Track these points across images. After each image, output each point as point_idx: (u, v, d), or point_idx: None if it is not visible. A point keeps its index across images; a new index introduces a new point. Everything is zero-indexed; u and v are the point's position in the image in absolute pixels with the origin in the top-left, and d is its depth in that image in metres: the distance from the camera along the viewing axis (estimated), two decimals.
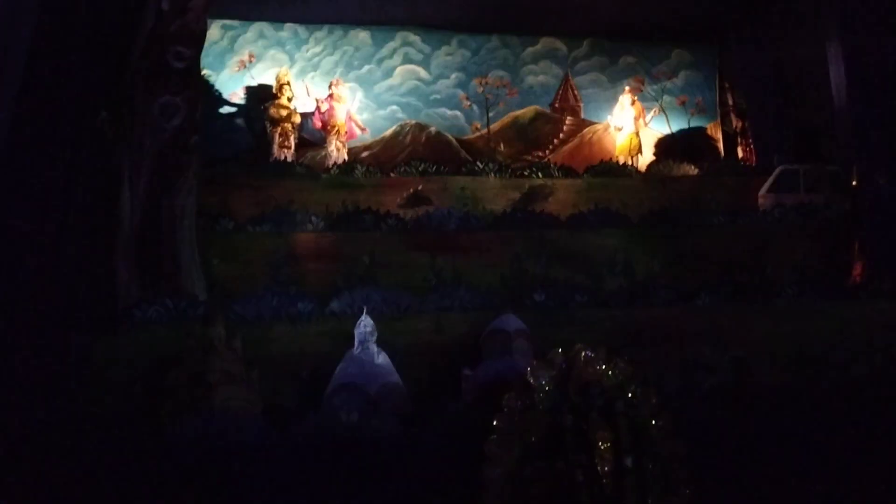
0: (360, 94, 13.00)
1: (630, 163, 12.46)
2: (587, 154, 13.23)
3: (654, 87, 13.88)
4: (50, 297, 5.51)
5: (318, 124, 12.11)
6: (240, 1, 12.02)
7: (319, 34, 13.11)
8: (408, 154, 12.59)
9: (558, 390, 4.43)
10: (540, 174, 11.11)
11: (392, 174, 11.00)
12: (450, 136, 13.23)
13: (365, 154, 12.57)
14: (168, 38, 6.98)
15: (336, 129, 12.00)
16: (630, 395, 4.42)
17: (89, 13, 6.24)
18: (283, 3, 12.35)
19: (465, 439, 4.54)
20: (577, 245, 8.37)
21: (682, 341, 6.47)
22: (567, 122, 13.70)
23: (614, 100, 13.38)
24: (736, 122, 13.74)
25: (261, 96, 12.39)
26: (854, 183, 8.59)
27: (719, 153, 13.67)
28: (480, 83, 13.43)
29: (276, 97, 12.08)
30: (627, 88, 13.30)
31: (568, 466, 4.23)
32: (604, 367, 4.46)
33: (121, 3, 6.78)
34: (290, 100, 12.06)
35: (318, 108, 12.13)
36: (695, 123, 13.86)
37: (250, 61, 12.76)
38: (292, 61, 12.91)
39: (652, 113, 13.40)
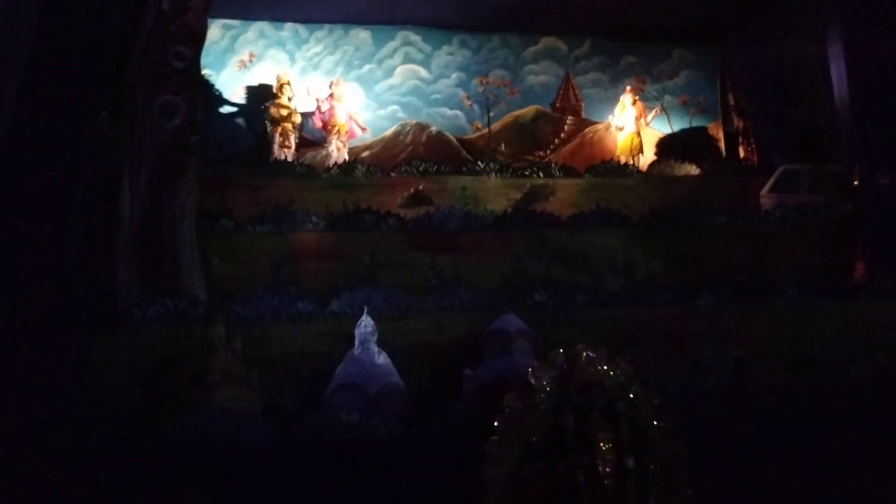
0: (360, 94, 12.99)
1: (631, 163, 12.44)
2: (588, 154, 13.22)
3: (656, 86, 13.86)
4: (50, 297, 5.51)
5: (319, 124, 12.11)
6: (240, 0, 12.01)
7: (320, 34, 13.10)
8: (408, 154, 12.58)
9: (559, 391, 4.42)
10: (541, 174, 11.11)
11: (392, 174, 11.00)
12: (450, 136, 13.21)
13: (365, 154, 12.56)
14: (168, 37, 6.97)
15: (336, 128, 11.99)
16: (631, 395, 4.42)
17: (89, 13, 6.24)
18: (284, 2, 12.34)
19: (465, 440, 4.53)
20: (577, 245, 8.37)
21: (683, 341, 6.46)
22: (568, 121, 13.69)
23: (615, 99, 13.36)
24: (737, 122, 13.72)
25: (261, 96, 12.37)
26: (855, 183, 8.59)
27: (721, 153, 13.65)
28: (481, 83, 13.42)
29: (276, 97, 12.06)
30: (628, 88, 13.28)
31: (569, 467, 4.23)
32: (605, 367, 4.46)
33: (121, 2, 6.77)
34: (290, 99, 12.05)
35: (318, 107, 12.12)
36: (696, 123, 13.84)
37: (251, 61, 12.75)
38: (293, 61, 12.90)
39: (653, 112, 13.37)
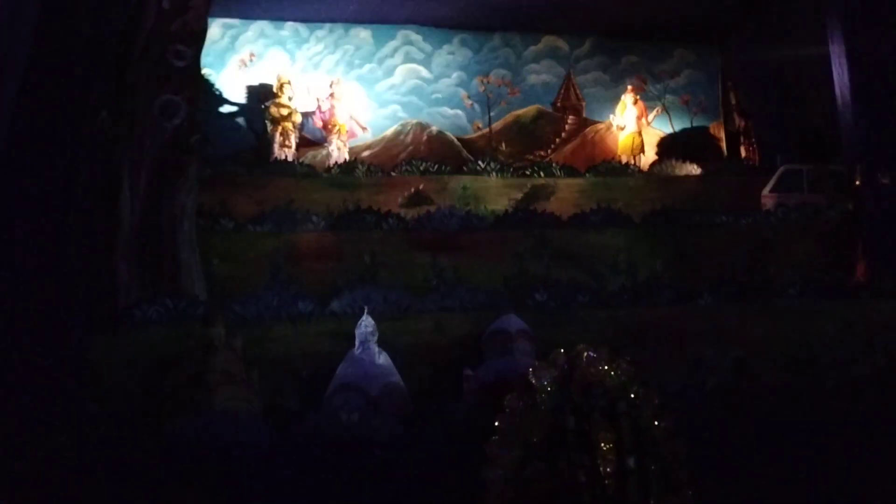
0: (361, 93, 12.98)
1: (632, 162, 12.43)
2: (589, 153, 13.20)
3: (657, 86, 13.83)
4: (50, 297, 5.50)
5: (319, 123, 12.10)
6: None
7: (320, 33, 13.08)
8: (409, 153, 12.56)
9: (560, 391, 4.42)
10: (542, 174, 11.09)
11: (393, 173, 10.99)
12: (451, 136, 13.19)
13: (366, 153, 12.54)
14: (168, 36, 6.97)
15: (337, 128, 11.98)
16: (632, 395, 4.42)
17: (90, 12, 6.23)
18: (284, 1, 12.32)
19: (466, 440, 4.53)
20: (578, 245, 8.36)
21: (683, 341, 6.46)
22: (569, 121, 13.67)
23: (616, 99, 13.34)
24: (739, 122, 13.69)
25: (261, 95, 12.36)
26: (856, 183, 8.57)
27: (722, 153, 13.63)
28: (482, 82, 13.39)
29: (276, 96, 12.04)
30: (630, 87, 13.26)
31: (570, 467, 4.23)
32: (606, 367, 4.46)
33: (121, 2, 6.77)
34: (290, 99, 12.03)
35: (318, 107, 12.11)
36: (697, 123, 13.82)
37: (251, 60, 12.73)
38: (293, 60, 12.88)
39: (654, 112, 13.36)
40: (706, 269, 8.08)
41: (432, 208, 9.23)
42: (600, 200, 9.56)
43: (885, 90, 8.34)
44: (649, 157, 12.93)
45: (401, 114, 13.14)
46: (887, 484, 4.81)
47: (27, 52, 5.56)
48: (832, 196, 9.59)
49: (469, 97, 13.35)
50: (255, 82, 12.61)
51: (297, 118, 11.97)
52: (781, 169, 10.51)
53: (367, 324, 6.02)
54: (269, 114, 11.89)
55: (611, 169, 11.67)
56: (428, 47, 13.35)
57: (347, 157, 11.79)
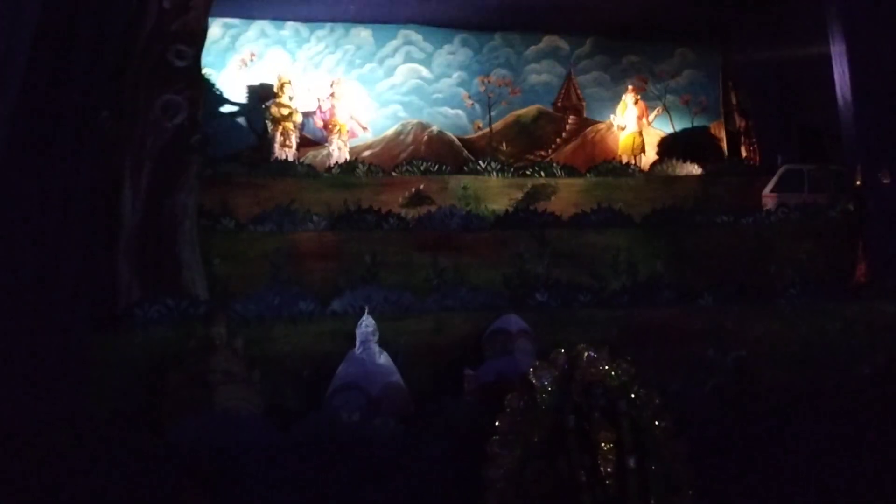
0: (361, 93, 12.98)
1: (633, 162, 12.44)
2: (590, 153, 13.22)
3: (658, 86, 13.85)
4: (51, 296, 5.50)
5: (320, 123, 12.11)
6: None
7: (321, 32, 13.10)
8: (409, 153, 12.58)
9: (561, 390, 4.42)
10: (542, 173, 11.10)
11: (394, 173, 11.00)
12: (452, 136, 13.21)
13: (366, 153, 12.56)
14: (169, 36, 6.98)
15: (337, 128, 11.99)
16: (633, 395, 4.42)
17: (91, 12, 6.23)
18: (285, 1, 12.34)
19: (466, 439, 4.53)
20: (579, 245, 8.37)
21: (684, 341, 6.46)
22: (570, 121, 13.68)
23: (617, 99, 13.35)
24: (739, 122, 13.71)
25: (262, 95, 12.38)
26: (857, 183, 8.57)
27: (723, 152, 13.64)
28: (483, 82, 13.41)
29: (277, 96, 12.06)
30: (630, 87, 13.28)
31: (570, 467, 4.23)
32: (606, 367, 4.46)
33: (122, 1, 6.77)
34: (291, 99, 12.05)
35: (319, 106, 12.12)
36: (698, 123, 13.83)
37: (251, 60, 12.75)
38: (294, 60, 12.90)
39: (655, 112, 13.37)
40: (707, 269, 8.09)
41: (433, 208, 9.24)
42: (601, 200, 9.56)
43: (885, 90, 8.33)
44: (650, 157, 12.95)
45: (401, 114, 13.16)
46: (887, 484, 4.81)
47: (28, 51, 5.56)
48: (833, 196, 9.59)
49: (470, 97, 13.37)
50: (256, 82, 12.64)
51: (298, 118, 11.98)
52: (782, 169, 10.52)
53: (367, 323, 6.03)
54: (270, 113, 11.90)
55: (611, 169, 11.68)
56: (429, 47, 13.37)
57: (348, 157, 11.81)
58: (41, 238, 5.52)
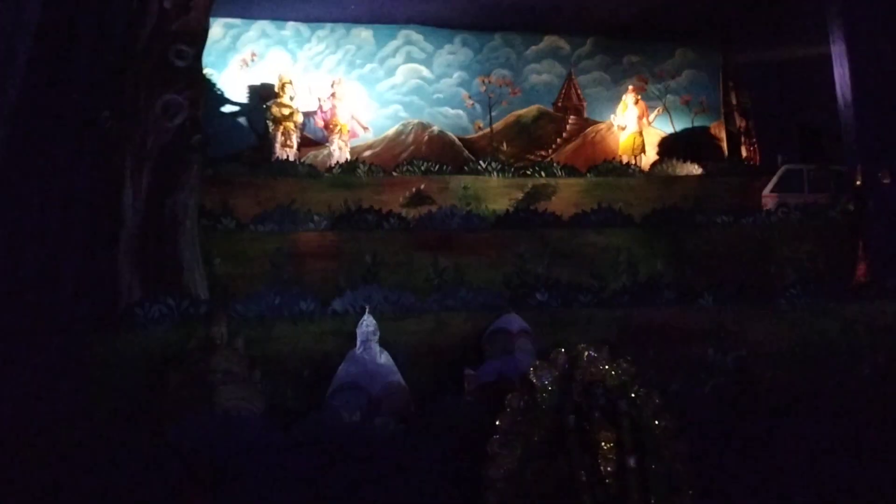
0: (362, 93, 12.99)
1: (633, 162, 12.44)
2: (590, 153, 13.21)
3: (658, 86, 13.85)
4: (52, 296, 5.52)
5: (321, 123, 12.12)
6: None
7: (322, 32, 13.10)
8: (410, 153, 12.59)
9: (561, 390, 4.42)
10: (543, 173, 11.11)
11: (394, 173, 11.01)
12: (452, 136, 13.22)
13: (367, 153, 12.56)
14: (170, 36, 6.98)
15: (338, 128, 12.00)
16: (633, 395, 4.42)
17: (92, 12, 6.24)
18: (286, 1, 12.34)
19: (467, 439, 4.54)
20: (579, 245, 8.37)
21: (684, 341, 6.46)
22: (570, 121, 13.69)
23: (617, 99, 13.36)
24: (740, 122, 13.72)
25: (263, 95, 12.39)
26: (857, 183, 8.57)
27: (723, 152, 13.65)
28: (483, 82, 13.42)
29: (278, 96, 12.07)
30: (631, 87, 13.29)
31: (571, 466, 4.23)
32: (606, 366, 4.46)
33: (123, 1, 6.78)
34: (292, 99, 12.06)
35: (320, 106, 12.13)
36: (698, 123, 13.84)
37: (252, 60, 12.76)
38: (295, 60, 12.91)
39: (655, 112, 13.38)
40: (707, 269, 8.09)
41: (433, 208, 9.25)
42: (601, 200, 9.57)
43: (885, 90, 8.34)
44: (650, 157, 12.96)
45: (402, 113, 13.16)
46: (887, 484, 4.82)
47: (29, 51, 5.57)
48: (833, 196, 9.60)
49: (470, 97, 13.38)
50: (257, 82, 12.65)
51: (299, 118, 11.99)
52: (782, 169, 10.53)
53: (368, 323, 6.03)
54: (271, 113, 11.91)
55: (612, 169, 11.69)
56: (429, 47, 13.38)
57: (349, 157, 11.82)
58: (42, 238, 5.54)
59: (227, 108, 12.49)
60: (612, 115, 13.31)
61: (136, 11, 6.86)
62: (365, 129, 12.46)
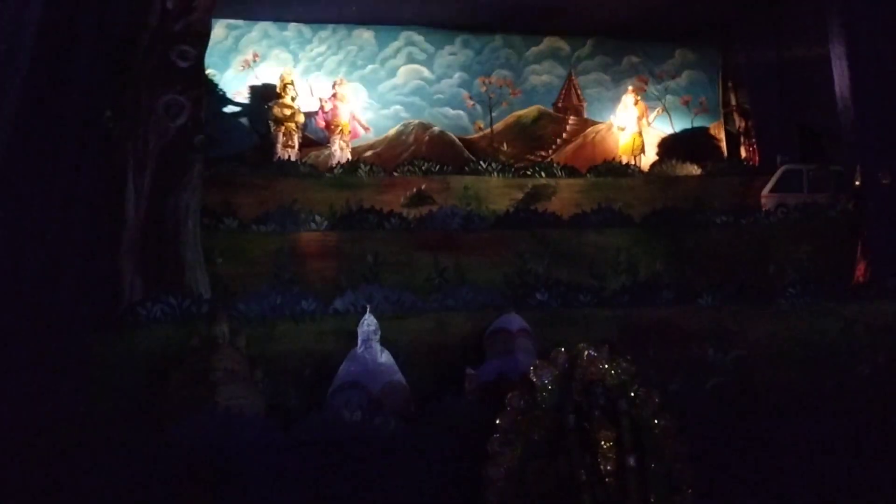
0: (363, 94, 13.01)
1: (633, 162, 12.45)
2: (590, 154, 13.22)
3: (658, 86, 13.86)
4: (54, 295, 5.52)
5: (322, 124, 12.13)
6: (244, 0, 12.03)
7: (323, 34, 13.12)
8: (411, 153, 12.59)
9: (561, 389, 4.44)
10: (543, 174, 11.12)
11: (395, 173, 11.02)
12: (453, 136, 13.23)
13: (368, 153, 12.58)
14: (173, 37, 6.99)
15: (339, 128, 12.01)
16: (633, 394, 4.43)
17: (94, 12, 6.25)
18: (288, 2, 12.36)
19: (467, 438, 4.55)
20: (579, 245, 8.38)
21: (684, 341, 6.46)
22: (570, 121, 13.70)
23: (617, 99, 13.38)
24: (739, 122, 13.73)
25: (265, 96, 12.40)
26: (857, 183, 8.58)
27: (722, 153, 13.65)
28: (484, 83, 13.43)
29: (279, 96, 12.09)
30: (631, 88, 13.30)
31: (571, 465, 4.24)
32: (606, 366, 4.47)
33: (126, 2, 6.79)
34: (293, 99, 12.07)
35: (321, 107, 12.14)
36: (698, 123, 13.85)
37: (254, 61, 12.78)
38: (296, 61, 12.91)
39: (655, 112, 13.39)
40: (706, 269, 8.10)
41: (434, 208, 9.27)
42: (601, 200, 9.59)
43: (885, 90, 8.34)
44: (650, 157, 12.97)
45: (403, 114, 13.18)
46: (887, 484, 4.83)
47: (31, 51, 5.58)
48: (832, 196, 9.61)
49: (471, 97, 13.39)
50: (259, 83, 12.66)
51: (300, 118, 12.01)
52: (782, 169, 10.55)
53: (369, 322, 6.03)
54: (273, 114, 11.93)
55: (611, 169, 11.70)
56: (430, 48, 13.39)
57: (350, 157, 11.84)
58: (44, 237, 5.54)
59: (228, 109, 12.51)
60: (612, 116, 13.33)
61: (139, 12, 6.88)
62: (366, 129, 12.49)
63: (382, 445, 4.70)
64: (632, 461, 4.23)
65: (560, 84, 13.79)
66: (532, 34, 13.69)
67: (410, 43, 13.33)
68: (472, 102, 13.39)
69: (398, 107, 13.18)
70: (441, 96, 13.36)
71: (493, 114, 13.38)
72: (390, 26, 13.23)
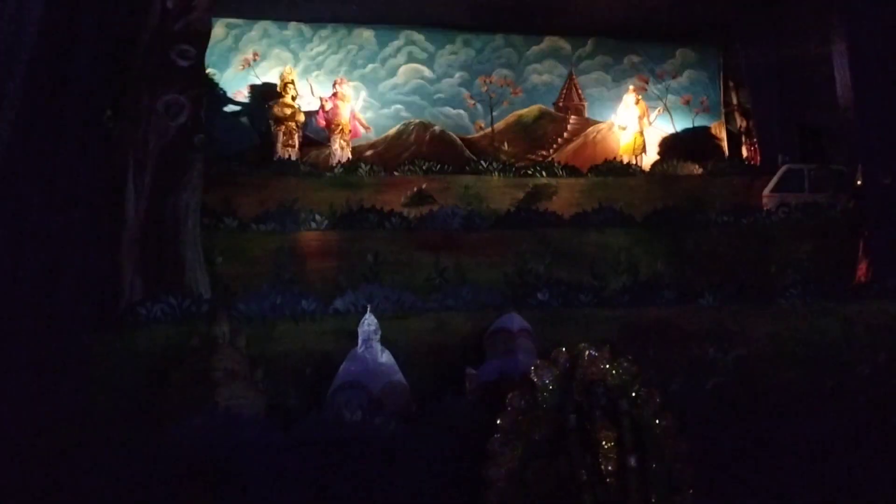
0: (364, 93, 13.00)
1: (634, 162, 12.45)
2: (591, 153, 13.21)
3: (659, 86, 13.86)
4: (55, 295, 5.52)
5: (322, 123, 12.12)
6: None
7: (324, 33, 13.11)
8: (411, 153, 12.59)
9: (562, 389, 4.44)
10: (544, 173, 11.12)
11: (396, 173, 11.02)
12: (453, 135, 13.21)
13: (369, 153, 12.57)
14: (173, 36, 7.00)
15: (340, 127, 12.00)
16: (634, 394, 4.43)
17: (94, 11, 6.25)
18: (288, 1, 12.35)
19: (468, 438, 4.55)
20: (580, 244, 8.38)
21: (685, 341, 6.46)
22: (571, 121, 13.69)
23: (618, 99, 13.37)
24: (740, 122, 13.73)
25: (265, 95, 12.39)
26: (858, 182, 8.58)
27: (723, 152, 13.65)
28: (484, 82, 13.42)
29: (280, 96, 12.08)
30: (631, 87, 13.29)
31: (571, 465, 4.24)
32: (607, 366, 4.47)
33: (125, 1, 6.79)
34: (294, 98, 12.07)
35: (322, 106, 12.13)
36: (699, 122, 13.84)
37: (255, 60, 12.77)
38: (296, 60, 12.90)
39: (656, 112, 13.38)
40: (707, 269, 8.10)
41: (435, 207, 9.27)
42: (602, 200, 9.58)
43: (886, 90, 8.34)
44: (651, 156, 12.96)
45: (404, 113, 13.17)
46: (887, 484, 4.83)
47: (31, 51, 5.58)
48: (833, 196, 9.60)
49: (471, 97, 13.38)
50: (259, 82, 12.65)
51: (301, 118, 12.00)
52: (783, 168, 10.54)
53: (369, 322, 6.04)
54: (273, 113, 11.92)
55: (612, 169, 11.70)
56: (431, 47, 13.38)
57: (350, 157, 11.83)
58: (44, 237, 5.54)
59: (229, 108, 12.50)
60: (613, 115, 13.32)
61: (139, 11, 6.88)
62: (366, 128, 12.48)
63: (382, 445, 4.70)
64: (633, 461, 4.23)
65: (561, 83, 13.79)
66: (533, 33, 13.68)
67: (411, 42, 13.32)
68: (472, 102, 13.38)
69: (399, 106, 13.17)
70: (442, 95, 13.35)
71: (494, 113, 13.37)
72: (391, 25, 13.22)
